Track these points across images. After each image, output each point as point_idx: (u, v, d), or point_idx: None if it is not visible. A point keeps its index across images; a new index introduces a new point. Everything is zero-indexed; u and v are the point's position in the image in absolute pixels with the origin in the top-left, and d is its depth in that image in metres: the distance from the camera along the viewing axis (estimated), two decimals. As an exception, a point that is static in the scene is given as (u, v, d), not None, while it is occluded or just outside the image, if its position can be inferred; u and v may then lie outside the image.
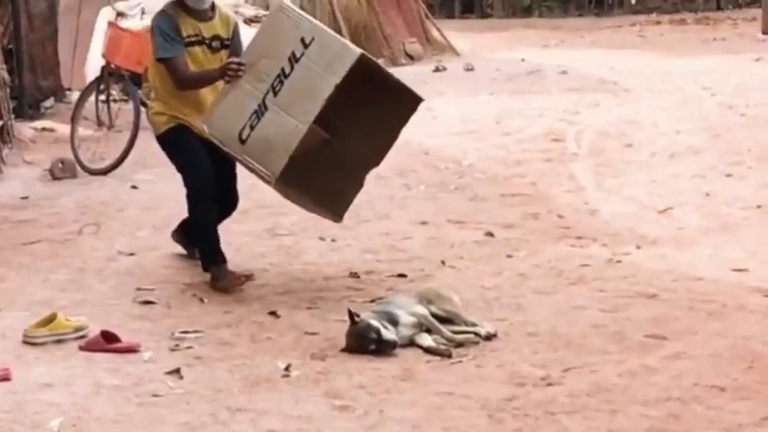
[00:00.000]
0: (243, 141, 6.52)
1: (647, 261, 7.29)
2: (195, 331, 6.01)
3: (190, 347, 5.78)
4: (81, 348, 5.71)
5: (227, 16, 7.19)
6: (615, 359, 5.51)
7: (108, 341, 5.72)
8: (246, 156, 6.53)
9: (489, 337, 5.81)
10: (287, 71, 6.45)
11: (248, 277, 6.81)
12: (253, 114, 6.50)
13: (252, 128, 6.49)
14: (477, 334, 5.82)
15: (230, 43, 7.07)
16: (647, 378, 5.25)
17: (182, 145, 6.98)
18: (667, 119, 12.55)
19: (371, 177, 9.88)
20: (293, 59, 6.43)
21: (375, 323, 5.64)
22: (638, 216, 8.58)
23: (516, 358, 5.54)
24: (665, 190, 9.38)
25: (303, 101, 6.39)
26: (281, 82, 6.46)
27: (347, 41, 6.57)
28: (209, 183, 6.91)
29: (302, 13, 6.67)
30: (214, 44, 7.00)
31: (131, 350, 5.68)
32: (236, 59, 6.68)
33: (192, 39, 6.94)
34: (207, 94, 6.95)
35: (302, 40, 6.43)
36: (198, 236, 7.04)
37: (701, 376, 5.23)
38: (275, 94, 6.47)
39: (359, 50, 6.42)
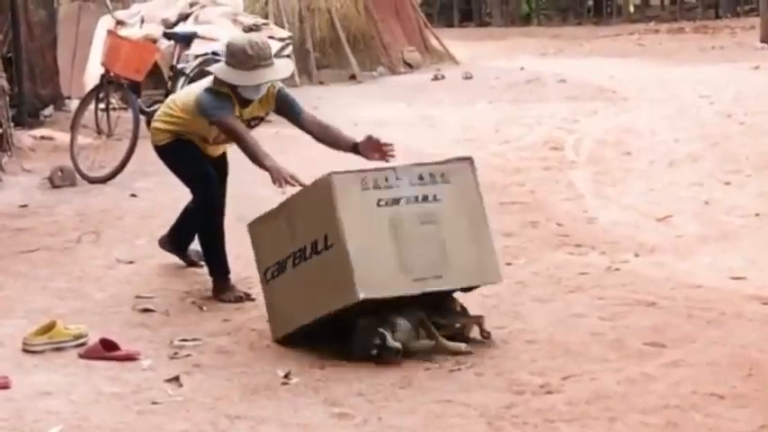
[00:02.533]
0: (266, 281, 6.02)
1: (645, 269, 7.30)
2: (194, 339, 6.02)
3: (189, 355, 5.78)
4: (80, 356, 5.72)
5: (267, 94, 6.73)
6: (614, 367, 5.51)
7: (107, 349, 5.73)
8: (265, 297, 6.11)
9: (485, 335, 5.81)
10: (307, 253, 5.76)
11: (248, 297, 6.80)
12: (276, 264, 5.94)
13: (273, 276, 5.96)
14: (467, 338, 5.80)
15: (278, 109, 6.80)
16: (646, 386, 5.25)
17: (186, 156, 6.91)
18: (666, 127, 12.56)
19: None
20: (314, 249, 5.72)
21: (381, 329, 5.60)
22: (636, 224, 8.59)
23: (515, 366, 5.55)
24: (664, 198, 9.38)
25: (305, 298, 5.78)
26: (303, 258, 5.78)
27: (359, 274, 5.53)
28: (219, 193, 6.92)
29: (341, 201, 5.64)
30: (252, 123, 6.83)
31: (131, 358, 5.69)
32: (292, 175, 6.24)
33: (246, 120, 6.75)
34: (212, 150, 6.97)
35: (326, 236, 5.66)
36: (207, 246, 7.01)
37: (700, 384, 5.23)
38: (294, 265, 5.83)
39: (361, 295, 5.51)
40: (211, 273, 6.96)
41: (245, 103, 6.71)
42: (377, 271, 5.60)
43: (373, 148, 6.55)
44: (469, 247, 5.83)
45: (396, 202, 5.72)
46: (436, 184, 5.80)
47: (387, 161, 6.40)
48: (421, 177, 5.79)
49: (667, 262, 7.52)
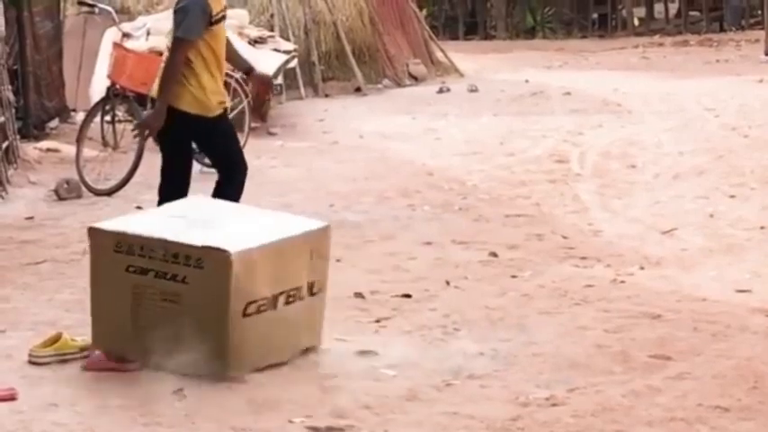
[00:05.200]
0: None
1: (651, 282, 7.31)
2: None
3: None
4: (85, 368, 5.71)
5: None
6: (619, 379, 5.52)
7: (111, 360, 5.72)
8: None
9: None
10: None
11: None
12: None
13: None
14: None
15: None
16: (652, 398, 5.25)
17: (232, 134, 7.49)
18: (670, 140, 12.58)
19: (375, 199, 9.97)
20: None
21: None
22: (641, 237, 8.59)
23: (521, 378, 5.55)
24: (669, 211, 9.39)
25: None
26: None
27: (98, 328, 5.79)
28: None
29: (95, 254, 5.85)
30: (224, 19, 7.37)
31: (134, 368, 5.68)
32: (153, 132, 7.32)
33: (220, 15, 7.26)
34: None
35: None
36: None
37: (705, 396, 5.24)
38: None
39: (97, 348, 5.75)
40: None
41: None
42: (115, 329, 5.73)
43: (259, 82, 7.89)
44: (204, 337, 5.55)
45: (144, 272, 5.64)
46: (189, 267, 5.57)
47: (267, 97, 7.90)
48: (175, 256, 5.58)
49: (672, 275, 7.52)
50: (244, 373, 5.54)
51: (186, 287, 5.56)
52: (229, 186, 7.36)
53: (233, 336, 5.56)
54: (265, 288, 5.66)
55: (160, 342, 5.55)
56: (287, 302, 5.78)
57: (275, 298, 5.71)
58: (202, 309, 5.56)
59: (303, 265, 5.86)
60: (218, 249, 5.52)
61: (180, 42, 7.13)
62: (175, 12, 7.22)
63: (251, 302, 5.59)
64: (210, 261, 5.52)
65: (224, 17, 7.36)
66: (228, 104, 7.55)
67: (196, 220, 5.94)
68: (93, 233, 5.82)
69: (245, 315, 5.57)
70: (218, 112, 7.33)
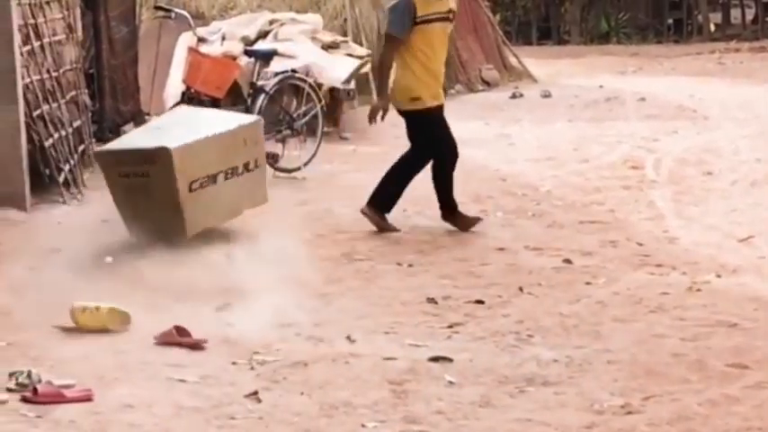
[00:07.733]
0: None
1: (727, 290, 7.22)
2: (274, 352, 6.02)
3: (268, 371, 5.78)
4: (155, 339, 6.13)
5: None
6: (696, 388, 5.45)
7: (180, 334, 6.12)
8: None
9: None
10: None
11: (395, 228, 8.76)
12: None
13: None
14: None
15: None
16: (729, 407, 5.18)
17: (443, 121, 8.73)
18: (747, 147, 12.44)
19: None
20: None
21: None
22: (718, 244, 8.49)
23: (596, 386, 5.50)
24: (746, 218, 9.28)
25: None
26: None
27: (128, 223, 7.88)
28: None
29: (106, 172, 8.12)
30: (450, 17, 8.61)
31: (198, 346, 6.05)
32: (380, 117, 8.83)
33: (430, 17, 8.44)
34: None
35: None
36: (398, 181, 8.76)
37: (785, 407, 5.16)
38: None
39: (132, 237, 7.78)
40: (374, 197, 8.68)
41: None
42: (128, 221, 7.79)
43: None
44: (167, 211, 7.61)
45: (127, 175, 7.82)
46: (147, 164, 7.68)
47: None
48: (140, 158, 7.74)
49: (749, 283, 7.42)
50: (197, 231, 7.65)
51: (149, 179, 7.69)
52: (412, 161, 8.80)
53: (184, 205, 7.61)
54: (204, 170, 7.72)
55: (145, 222, 7.58)
56: (226, 178, 7.84)
57: (214, 176, 7.77)
58: (161, 192, 7.63)
59: (238, 151, 7.93)
60: (162, 148, 7.61)
61: (387, 38, 8.69)
62: (388, 10, 8.70)
63: (194, 181, 7.66)
64: (159, 156, 7.61)
65: (439, 19, 8.48)
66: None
67: (163, 128, 8.17)
68: (98, 156, 8.52)
69: (190, 190, 7.64)
70: (433, 104, 8.63)
